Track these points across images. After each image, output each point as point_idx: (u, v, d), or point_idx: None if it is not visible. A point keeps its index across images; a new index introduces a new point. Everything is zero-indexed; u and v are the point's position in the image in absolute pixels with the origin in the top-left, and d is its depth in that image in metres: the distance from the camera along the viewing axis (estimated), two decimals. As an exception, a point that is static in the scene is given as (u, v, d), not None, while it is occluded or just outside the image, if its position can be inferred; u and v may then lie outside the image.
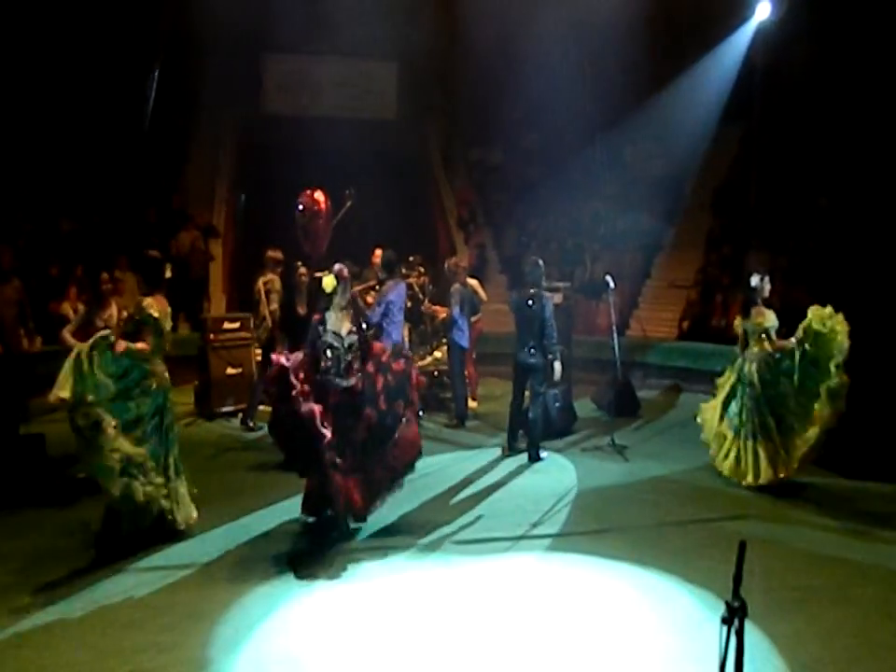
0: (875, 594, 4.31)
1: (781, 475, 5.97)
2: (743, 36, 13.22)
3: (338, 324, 5.23)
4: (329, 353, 5.14)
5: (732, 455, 6.14)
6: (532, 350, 6.85)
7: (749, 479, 6.01)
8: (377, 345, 5.48)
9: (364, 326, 5.45)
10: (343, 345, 5.18)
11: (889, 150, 11.54)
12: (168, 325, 5.06)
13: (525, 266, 7.18)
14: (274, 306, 7.96)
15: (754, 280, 6.10)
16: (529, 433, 7.03)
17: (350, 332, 5.22)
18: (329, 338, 5.18)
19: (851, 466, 6.48)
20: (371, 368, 5.20)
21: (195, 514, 5.11)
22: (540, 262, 7.10)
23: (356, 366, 5.19)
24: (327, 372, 5.12)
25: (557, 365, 6.82)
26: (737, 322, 6.24)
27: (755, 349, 6.07)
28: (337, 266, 5.41)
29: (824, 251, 10.82)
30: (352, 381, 5.13)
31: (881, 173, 11.34)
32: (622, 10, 13.25)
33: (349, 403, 5.09)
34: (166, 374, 5.05)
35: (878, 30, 12.67)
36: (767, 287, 6.12)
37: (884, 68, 12.50)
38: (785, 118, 13.78)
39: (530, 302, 6.88)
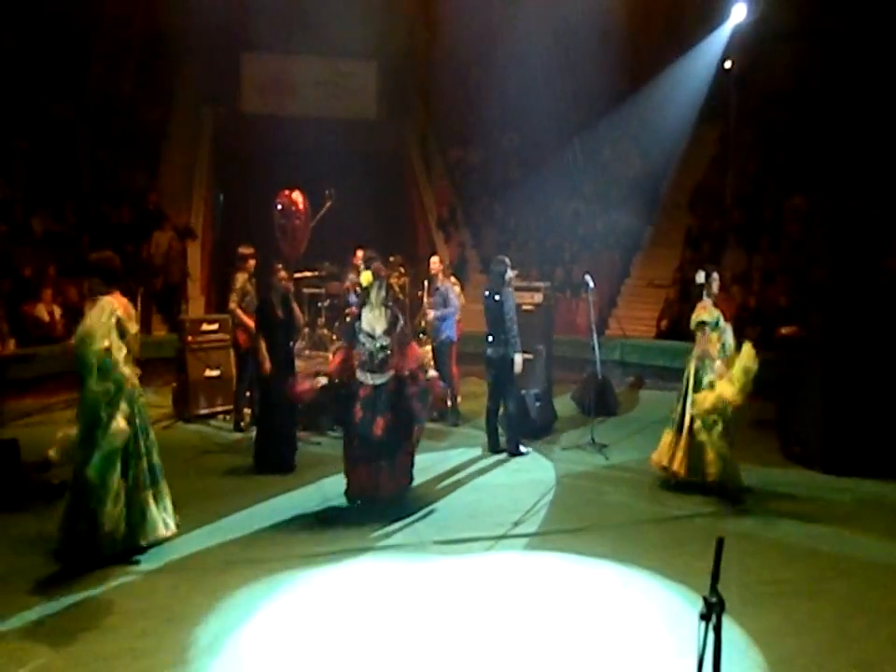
0: (849, 587, 4.39)
1: (665, 465, 6.05)
2: (719, 37, 13.37)
3: (373, 322, 5.43)
4: (361, 349, 5.42)
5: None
6: (499, 346, 7.01)
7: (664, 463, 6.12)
8: (413, 350, 5.64)
9: (400, 326, 5.59)
10: (374, 345, 5.38)
11: (864, 149, 11.74)
12: (133, 327, 4.65)
13: (492, 264, 7.38)
14: (232, 305, 7.84)
15: (699, 276, 6.23)
16: (507, 427, 7.10)
17: (385, 332, 5.41)
18: (362, 337, 5.41)
19: (825, 461, 6.58)
20: (405, 370, 5.42)
21: (164, 531, 4.75)
22: (506, 260, 7.26)
23: (389, 364, 5.40)
24: (361, 367, 5.40)
25: (518, 357, 6.98)
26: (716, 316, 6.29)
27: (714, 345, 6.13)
28: (375, 264, 5.63)
29: (799, 250, 10.97)
30: (384, 379, 5.35)
31: (857, 171, 11.53)
32: (599, 11, 13.35)
33: (376, 400, 5.33)
34: (133, 380, 4.62)
35: (854, 30, 12.88)
36: (714, 283, 6.18)
37: (859, 68, 12.70)
38: (761, 117, 13.96)
39: (494, 298, 7.06)
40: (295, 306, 6.99)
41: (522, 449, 7.11)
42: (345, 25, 13.80)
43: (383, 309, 5.49)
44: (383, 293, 5.53)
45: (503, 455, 7.09)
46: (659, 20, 15.44)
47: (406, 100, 16.73)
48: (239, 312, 7.82)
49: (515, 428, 7.14)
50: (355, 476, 5.53)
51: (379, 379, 5.38)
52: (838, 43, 12.98)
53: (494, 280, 7.18)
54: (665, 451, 6.10)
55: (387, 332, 5.44)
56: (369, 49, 14.98)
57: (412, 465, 5.66)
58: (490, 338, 7.10)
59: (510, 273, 7.17)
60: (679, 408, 6.10)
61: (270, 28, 14.17)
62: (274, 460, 6.55)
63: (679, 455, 6.00)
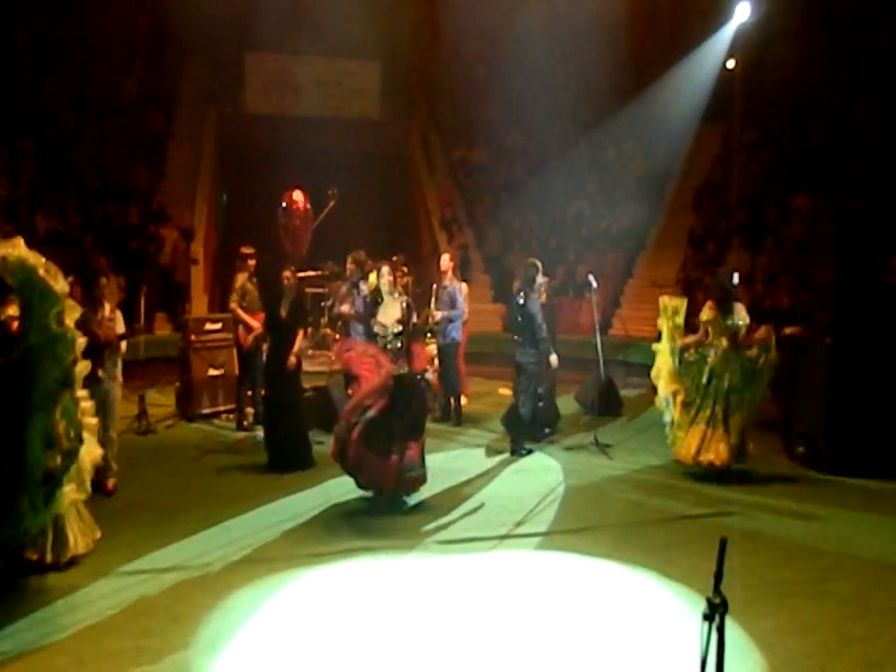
0: (853, 587, 4.37)
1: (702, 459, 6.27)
2: (723, 37, 13.33)
3: (386, 313, 5.68)
4: (376, 340, 5.66)
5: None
6: (526, 349, 7.07)
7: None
8: (415, 346, 5.93)
9: (413, 319, 5.86)
10: (388, 335, 5.62)
11: (869, 148, 11.70)
12: None
13: (523, 266, 7.46)
14: (232, 304, 7.94)
15: (736, 278, 6.36)
16: (514, 427, 7.19)
17: (398, 321, 5.65)
18: (377, 327, 5.67)
19: (829, 461, 6.56)
20: (413, 361, 5.67)
21: None
22: (538, 263, 7.30)
23: (402, 355, 5.60)
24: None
25: (553, 357, 7.14)
26: (713, 316, 6.34)
27: (724, 342, 6.26)
28: (382, 262, 6.05)
29: (804, 250, 10.93)
30: (397, 370, 5.49)
31: (862, 171, 11.49)
32: (603, 11, 13.33)
33: (396, 389, 5.41)
34: None
35: (857, 29, 12.84)
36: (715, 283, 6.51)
37: (864, 67, 12.67)
38: (765, 117, 13.93)
39: (521, 301, 7.12)
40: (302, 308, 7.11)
41: (528, 448, 7.11)
42: (349, 25, 13.80)
43: (396, 299, 5.72)
44: (387, 280, 5.77)
45: (506, 455, 7.09)
46: (663, 19, 15.42)
47: (410, 100, 16.73)
48: (239, 311, 7.91)
49: (521, 430, 7.14)
50: (365, 467, 5.52)
51: (395, 370, 5.50)
52: (842, 42, 12.95)
53: (524, 282, 7.22)
54: (699, 445, 6.20)
55: (400, 321, 5.65)
56: (372, 48, 14.98)
57: (422, 459, 5.65)
58: (518, 343, 7.13)
59: (540, 279, 7.24)
60: (710, 402, 6.21)
61: (274, 28, 14.17)
62: (292, 458, 6.56)
63: (721, 446, 6.14)
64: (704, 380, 6.25)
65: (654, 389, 6.66)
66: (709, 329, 6.34)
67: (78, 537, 4.53)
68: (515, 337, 7.16)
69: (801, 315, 8.39)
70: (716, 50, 13.45)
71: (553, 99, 14.87)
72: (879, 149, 11.60)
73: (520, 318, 7.06)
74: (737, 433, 6.21)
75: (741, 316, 6.30)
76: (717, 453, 6.18)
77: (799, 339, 7.41)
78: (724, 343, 6.26)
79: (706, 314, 6.36)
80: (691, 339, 6.42)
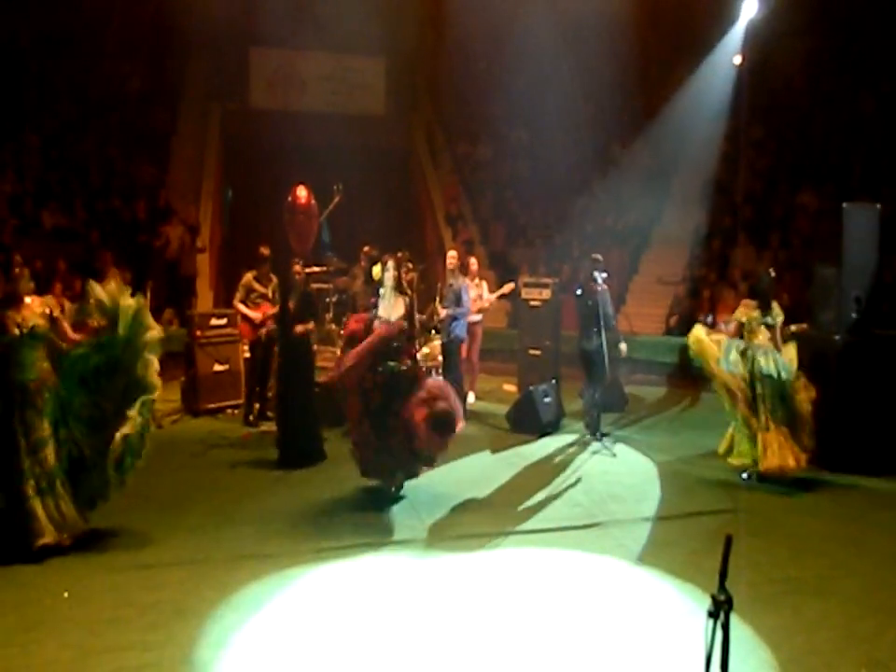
0: (858, 585, 4.36)
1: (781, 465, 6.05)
2: (734, 35, 13.25)
3: (389, 309, 5.57)
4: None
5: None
6: (591, 339, 7.39)
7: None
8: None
9: (415, 313, 5.78)
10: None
11: (875, 145, 11.64)
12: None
13: (585, 262, 7.73)
14: (234, 301, 8.10)
15: (773, 273, 6.45)
16: (587, 414, 7.58)
17: (400, 318, 5.55)
18: (378, 324, 5.56)
19: (834, 460, 6.54)
20: (413, 355, 5.60)
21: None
22: (600, 258, 7.67)
23: (405, 351, 5.52)
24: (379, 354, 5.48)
25: (623, 346, 7.63)
26: (754, 315, 6.28)
27: (763, 340, 6.19)
28: (389, 255, 5.93)
29: (810, 247, 10.89)
30: (401, 365, 5.44)
31: (868, 167, 11.44)
32: (608, 5, 13.28)
33: (395, 385, 5.35)
34: None
35: (865, 26, 12.77)
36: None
37: (868, 62, 12.60)
38: (771, 113, 13.87)
39: (581, 294, 7.52)
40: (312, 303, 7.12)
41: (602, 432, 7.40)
42: (353, 21, 13.76)
43: (398, 296, 5.62)
44: (392, 274, 5.67)
45: (510, 451, 7.10)
46: (668, 14, 15.35)
47: (414, 95, 16.69)
48: (240, 306, 8.03)
49: (598, 415, 7.49)
50: (370, 462, 5.55)
51: (396, 366, 5.45)
52: (849, 38, 12.88)
53: (588, 279, 7.50)
54: (777, 452, 5.96)
55: (404, 318, 5.56)
56: (377, 44, 14.94)
57: (425, 453, 5.61)
58: (586, 335, 7.46)
59: (599, 276, 7.46)
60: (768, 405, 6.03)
61: (278, 24, 14.13)
62: (301, 453, 6.57)
63: (796, 448, 5.97)
64: (759, 387, 6.06)
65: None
66: (745, 328, 6.22)
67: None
68: (582, 330, 7.47)
69: (807, 313, 8.36)
70: (725, 49, 13.37)
71: (557, 94, 14.82)
72: (885, 146, 11.54)
73: (589, 304, 7.37)
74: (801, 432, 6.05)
75: (777, 312, 6.27)
76: (791, 456, 5.95)
77: (805, 336, 7.39)
78: (762, 339, 6.16)
79: (744, 313, 6.24)
80: (726, 333, 6.36)
